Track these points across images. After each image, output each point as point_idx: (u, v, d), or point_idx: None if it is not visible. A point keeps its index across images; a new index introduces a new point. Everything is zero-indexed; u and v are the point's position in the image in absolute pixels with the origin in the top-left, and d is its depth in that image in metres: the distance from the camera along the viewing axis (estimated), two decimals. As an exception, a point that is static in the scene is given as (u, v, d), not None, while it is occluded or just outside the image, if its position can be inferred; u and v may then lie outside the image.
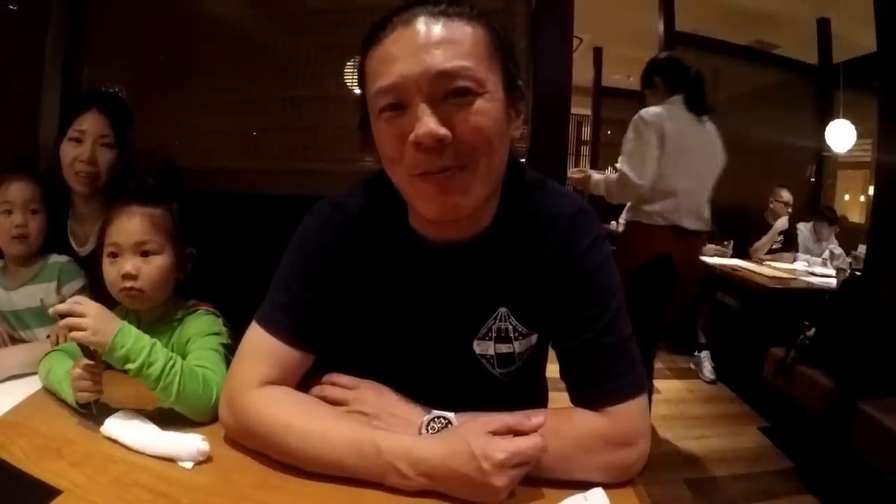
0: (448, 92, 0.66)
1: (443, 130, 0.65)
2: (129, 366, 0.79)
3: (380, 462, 0.67)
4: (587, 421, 0.74)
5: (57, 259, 1.22)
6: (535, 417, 0.69)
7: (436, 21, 0.66)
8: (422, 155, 0.66)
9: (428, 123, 0.64)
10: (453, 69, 0.65)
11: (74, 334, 0.78)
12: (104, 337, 0.78)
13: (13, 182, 1.17)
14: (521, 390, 0.87)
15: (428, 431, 0.73)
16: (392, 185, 0.76)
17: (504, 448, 0.64)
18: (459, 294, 0.81)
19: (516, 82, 0.74)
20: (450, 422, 0.74)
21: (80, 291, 1.21)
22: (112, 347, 0.78)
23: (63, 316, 0.79)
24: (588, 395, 0.76)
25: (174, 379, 0.80)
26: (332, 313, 0.83)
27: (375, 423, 0.76)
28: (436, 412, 0.75)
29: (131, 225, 0.98)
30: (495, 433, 0.67)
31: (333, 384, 0.83)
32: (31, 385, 0.95)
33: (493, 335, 0.82)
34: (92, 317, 0.79)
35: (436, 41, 0.65)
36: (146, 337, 0.82)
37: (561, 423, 0.73)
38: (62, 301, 1.18)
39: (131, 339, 0.80)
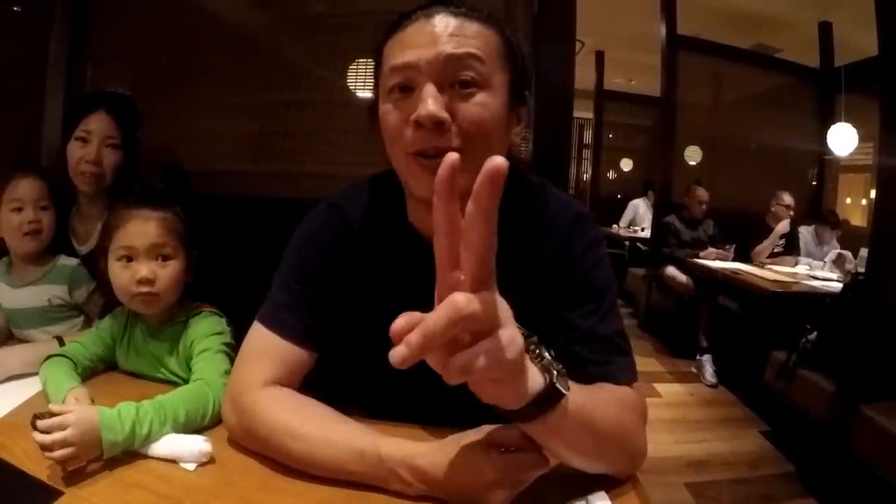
0: (454, 80, 0.70)
1: (443, 113, 0.68)
2: (135, 446, 0.74)
3: (382, 468, 0.67)
4: (617, 390, 0.75)
5: (66, 262, 1.22)
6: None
7: (455, 18, 0.72)
8: (420, 133, 0.69)
9: (430, 105, 0.68)
10: (462, 55, 0.69)
11: (60, 453, 0.67)
12: (89, 446, 0.69)
13: (22, 179, 1.17)
14: None
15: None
16: (393, 183, 0.78)
17: (500, 466, 0.63)
18: None
19: (522, 90, 0.77)
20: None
21: (90, 295, 1.22)
22: (107, 449, 0.70)
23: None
24: (591, 378, 0.75)
25: (171, 422, 0.77)
26: (332, 312, 0.83)
27: None
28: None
29: (148, 228, 0.97)
30: (498, 444, 0.65)
31: None
32: (33, 385, 0.95)
33: None
34: (73, 427, 0.68)
35: (451, 33, 0.70)
36: (125, 411, 0.74)
37: (600, 394, 0.72)
38: (74, 303, 1.20)
39: (118, 431, 0.71)
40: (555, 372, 0.59)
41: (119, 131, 1.28)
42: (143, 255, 0.97)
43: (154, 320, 1.04)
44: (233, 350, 0.98)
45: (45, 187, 1.20)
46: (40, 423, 0.68)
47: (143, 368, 1.04)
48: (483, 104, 0.71)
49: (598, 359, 0.77)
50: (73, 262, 1.23)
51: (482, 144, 0.71)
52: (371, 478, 0.68)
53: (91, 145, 1.24)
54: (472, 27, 0.71)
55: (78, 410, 0.71)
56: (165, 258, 0.99)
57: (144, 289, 0.96)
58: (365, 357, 0.84)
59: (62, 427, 0.68)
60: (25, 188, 1.17)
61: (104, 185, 1.27)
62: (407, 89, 0.71)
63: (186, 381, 0.95)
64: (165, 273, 0.98)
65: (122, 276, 0.97)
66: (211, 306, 1.07)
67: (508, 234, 0.80)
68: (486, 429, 0.70)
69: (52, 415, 0.69)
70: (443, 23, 0.71)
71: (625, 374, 0.77)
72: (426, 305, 0.82)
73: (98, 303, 1.22)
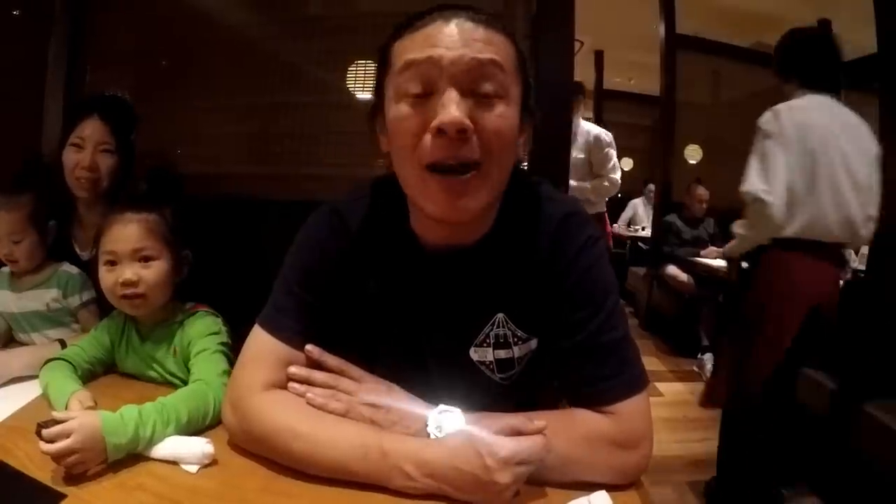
0: (476, 89, 0.68)
1: (468, 121, 0.66)
2: (139, 448, 0.75)
3: (385, 464, 0.67)
4: (588, 420, 0.74)
5: (67, 270, 1.22)
6: (537, 420, 0.68)
7: (477, 23, 0.69)
8: (440, 142, 0.67)
9: (454, 111, 0.65)
10: (486, 60, 0.67)
11: (66, 461, 0.68)
12: (94, 451, 0.70)
13: (2, 210, 1.15)
14: (526, 394, 0.86)
15: (436, 423, 0.73)
16: (395, 188, 0.77)
17: (508, 446, 0.64)
18: (457, 300, 0.82)
19: (530, 104, 0.76)
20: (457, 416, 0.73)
21: (86, 304, 1.22)
22: (112, 452, 0.71)
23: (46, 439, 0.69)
24: (584, 396, 0.76)
25: (174, 423, 0.78)
26: (333, 316, 0.83)
27: (385, 414, 0.76)
28: (442, 406, 0.75)
29: (128, 231, 0.98)
30: (499, 433, 0.67)
31: (344, 373, 0.82)
32: (35, 388, 0.96)
33: (492, 341, 0.82)
34: (77, 433, 0.69)
35: (475, 37, 0.68)
36: (128, 413, 0.74)
37: (563, 424, 0.73)
38: (66, 309, 1.20)
39: (122, 434, 0.72)
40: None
41: (113, 136, 1.27)
42: (125, 259, 0.98)
43: (149, 321, 1.04)
44: (230, 350, 0.99)
45: (23, 217, 1.16)
46: (45, 433, 0.68)
47: (141, 370, 1.04)
48: (503, 115, 0.69)
49: (592, 376, 0.76)
50: (74, 271, 1.23)
51: (499, 157, 0.70)
52: (374, 476, 0.68)
53: (85, 151, 1.24)
54: (493, 35, 0.70)
55: (80, 417, 0.71)
56: (148, 259, 0.99)
57: (128, 290, 0.97)
58: (365, 360, 0.84)
59: (66, 434, 0.68)
60: (1, 220, 1.15)
61: (101, 191, 1.27)
62: (424, 95, 0.68)
63: (185, 382, 0.96)
64: (149, 274, 0.99)
65: (107, 279, 0.99)
66: (206, 306, 1.08)
67: (505, 238, 0.81)
68: (486, 420, 0.70)
69: (56, 422, 0.69)
70: (465, 26, 0.68)
71: (619, 392, 0.75)
72: (423, 313, 0.82)
73: (93, 314, 1.21)
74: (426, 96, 0.68)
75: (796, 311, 1.83)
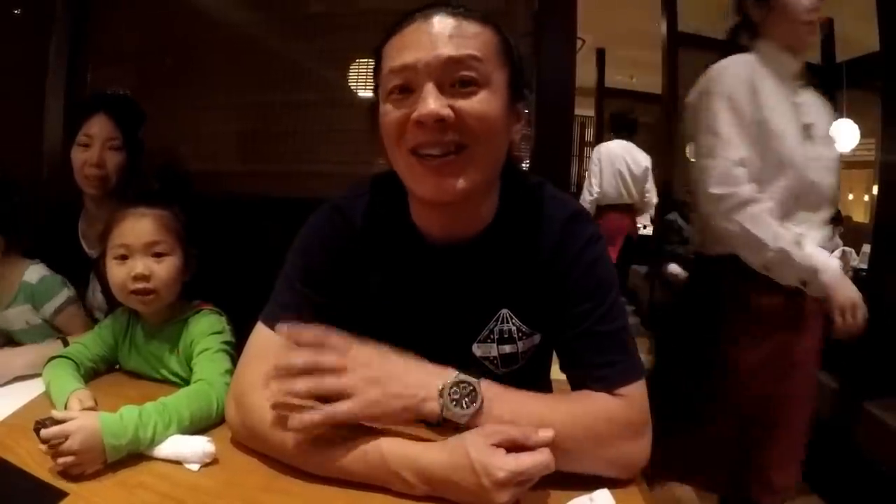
0: (454, 80, 0.70)
1: (445, 111, 0.69)
2: (139, 449, 0.74)
3: (384, 469, 0.67)
4: (606, 402, 0.75)
5: (27, 280, 1.15)
6: (543, 432, 0.66)
7: (452, 18, 0.72)
8: (421, 130, 0.70)
9: (431, 104, 0.68)
10: (462, 56, 0.70)
11: (64, 461, 0.68)
12: (93, 453, 0.69)
13: None
14: (523, 386, 0.86)
15: (450, 396, 0.68)
16: (395, 183, 0.79)
17: (506, 466, 0.62)
18: (460, 295, 0.82)
19: (520, 88, 0.78)
20: (475, 388, 0.69)
21: (61, 308, 1.17)
22: (111, 454, 0.70)
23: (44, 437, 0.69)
24: (589, 380, 0.77)
25: (175, 424, 0.77)
26: (335, 313, 0.83)
27: (379, 389, 0.69)
28: (459, 376, 0.69)
29: (142, 225, 0.98)
30: (500, 446, 0.65)
31: (324, 344, 0.71)
32: (37, 387, 0.96)
33: (496, 337, 0.83)
34: (75, 439, 0.68)
35: (449, 34, 0.71)
36: (128, 415, 0.74)
37: (574, 406, 0.73)
38: (44, 319, 1.16)
39: (121, 435, 0.71)
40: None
41: (120, 132, 1.28)
42: (138, 252, 0.97)
43: (154, 319, 1.04)
44: (233, 348, 0.99)
45: None
46: (43, 433, 0.68)
47: (144, 368, 1.04)
48: (484, 101, 0.71)
49: (597, 361, 0.77)
50: (35, 278, 1.15)
51: (484, 142, 0.72)
52: (374, 478, 0.68)
53: (93, 149, 1.25)
54: (470, 28, 0.72)
55: (80, 419, 0.70)
56: (161, 255, 0.99)
57: (140, 285, 0.96)
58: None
59: (64, 436, 0.68)
60: None
61: (109, 188, 1.27)
62: (406, 90, 0.72)
63: (187, 381, 0.96)
64: (161, 269, 0.98)
65: (118, 273, 0.98)
66: (210, 305, 1.07)
67: (507, 233, 0.81)
68: (490, 429, 0.69)
69: (55, 421, 0.69)
70: (441, 24, 0.71)
71: (624, 376, 0.76)
72: (426, 309, 0.82)
73: (72, 317, 1.19)
74: (408, 92, 0.72)
75: (616, 238, 4.13)
